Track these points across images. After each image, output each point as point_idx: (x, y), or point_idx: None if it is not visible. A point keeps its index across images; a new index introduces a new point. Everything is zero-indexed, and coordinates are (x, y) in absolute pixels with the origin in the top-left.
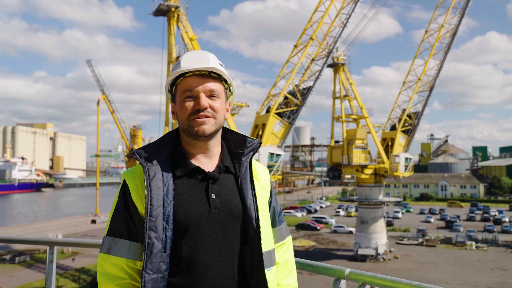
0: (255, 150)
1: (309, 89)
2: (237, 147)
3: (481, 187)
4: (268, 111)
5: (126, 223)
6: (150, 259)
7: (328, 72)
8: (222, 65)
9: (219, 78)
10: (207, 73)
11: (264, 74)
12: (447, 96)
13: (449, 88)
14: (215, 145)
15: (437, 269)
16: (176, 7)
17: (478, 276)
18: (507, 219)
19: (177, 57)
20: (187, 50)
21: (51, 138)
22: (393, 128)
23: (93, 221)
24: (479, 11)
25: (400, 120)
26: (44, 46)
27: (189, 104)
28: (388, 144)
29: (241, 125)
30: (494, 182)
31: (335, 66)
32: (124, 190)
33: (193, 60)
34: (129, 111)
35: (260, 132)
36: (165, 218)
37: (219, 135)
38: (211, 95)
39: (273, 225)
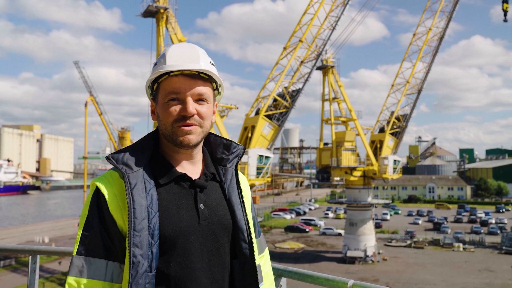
0: (240, 156)
1: (298, 91)
2: (221, 152)
3: (468, 189)
4: (257, 113)
5: (102, 240)
6: (136, 280)
7: (316, 74)
8: (212, 64)
9: (209, 79)
10: (197, 73)
11: (252, 77)
12: (434, 99)
13: (436, 91)
14: (199, 152)
15: (425, 270)
16: (165, 9)
17: (466, 277)
18: (493, 221)
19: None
20: None
21: (37, 140)
22: (382, 130)
23: None
24: (463, 15)
25: (388, 122)
26: (31, 47)
27: (174, 108)
28: (376, 146)
29: (230, 127)
30: (481, 184)
31: (324, 69)
32: (98, 201)
33: (181, 58)
34: (117, 113)
35: (250, 134)
36: (150, 232)
37: (203, 141)
38: (199, 99)
39: (255, 236)
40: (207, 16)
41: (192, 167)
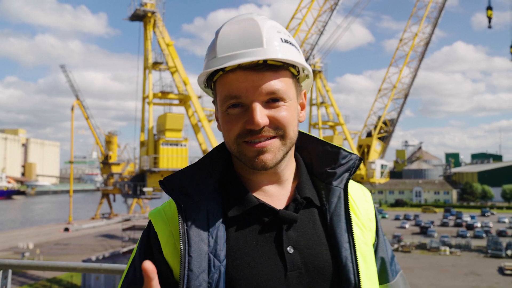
0: (353, 170)
1: None
2: (323, 164)
3: (454, 193)
4: None
5: None
6: None
7: None
8: (286, 41)
9: (283, 65)
10: (262, 62)
11: None
12: (418, 104)
13: (421, 96)
14: (287, 167)
15: (413, 274)
16: (153, 13)
17: (453, 281)
18: (479, 224)
19: (154, 63)
20: (164, 56)
21: (23, 144)
22: (369, 135)
23: (66, 229)
24: (445, 22)
25: (376, 127)
26: (16, 51)
27: (236, 119)
28: (364, 151)
29: (218, 132)
30: (467, 188)
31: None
32: (149, 240)
33: (235, 44)
34: (104, 117)
35: None
36: None
37: (291, 151)
38: (271, 99)
39: (384, 280)
40: (193, 22)
41: (277, 190)
